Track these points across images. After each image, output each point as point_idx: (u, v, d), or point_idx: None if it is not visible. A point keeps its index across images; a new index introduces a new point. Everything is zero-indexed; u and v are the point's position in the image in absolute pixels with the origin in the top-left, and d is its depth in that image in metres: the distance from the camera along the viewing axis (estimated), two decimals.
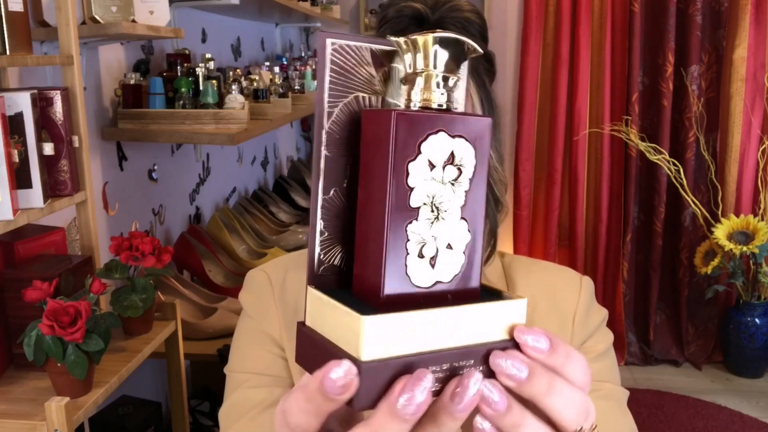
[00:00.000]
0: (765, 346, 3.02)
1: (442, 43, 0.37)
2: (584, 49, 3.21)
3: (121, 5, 1.48)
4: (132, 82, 1.72)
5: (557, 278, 0.80)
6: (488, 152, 0.38)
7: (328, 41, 0.38)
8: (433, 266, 0.37)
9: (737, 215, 3.07)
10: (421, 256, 0.36)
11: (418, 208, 0.36)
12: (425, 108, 0.37)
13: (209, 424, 1.93)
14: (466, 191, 0.37)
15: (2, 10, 1.14)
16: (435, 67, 0.37)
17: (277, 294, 0.79)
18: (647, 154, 3.12)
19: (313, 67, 2.75)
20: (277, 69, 2.35)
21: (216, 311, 1.87)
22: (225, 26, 2.50)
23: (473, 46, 0.38)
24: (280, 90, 2.21)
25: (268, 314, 0.78)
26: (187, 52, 2.02)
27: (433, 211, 0.36)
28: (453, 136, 0.36)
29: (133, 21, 1.50)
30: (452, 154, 0.36)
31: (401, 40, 0.38)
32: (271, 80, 2.21)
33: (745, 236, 2.97)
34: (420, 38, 0.37)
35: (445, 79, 0.37)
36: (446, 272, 0.37)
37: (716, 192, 3.19)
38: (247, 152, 2.75)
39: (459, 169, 0.36)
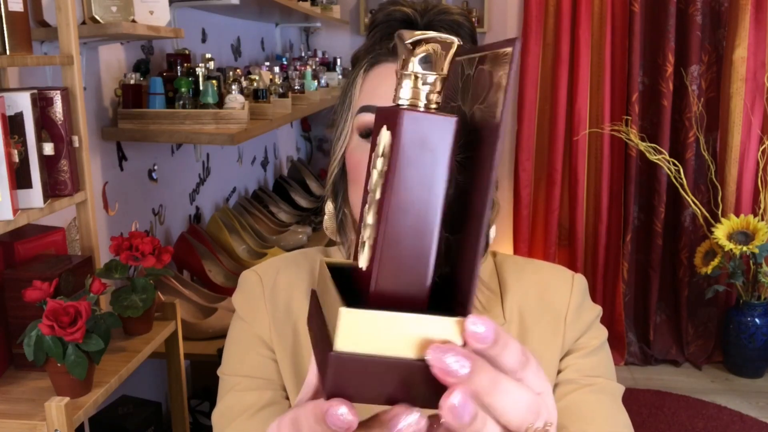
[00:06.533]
0: (765, 346, 3.02)
1: (402, 41, 0.38)
2: (584, 49, 3.21)
3: (121, 5, 1.48)
4: (132, 82, 1.72)
5: (549, 277, 0.80)
6: (399, 146, 0.35)
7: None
8: (363, 251, 0.39)
9: (737, 215, 3.07)
10: (364, 238, 0.39)
11: (368, 194, 0.39)
12: (397, 106, 0.39)
13: (209, 424, 1.93)
14: (382, 184, 0.37)
15: (2, 10, 1.14)
16: (402, 66, 0.38)
17: (268, 295, 0.79)
18: (647, 154, 3.12)
19: (314, 67, 2.75)
20: (277, 69, 2.35)
21: (216, 311, 1.87)
22: (225, 26, 2.50)
23: (405, 39, 0.37)
24: (280, 90, 2.21)
25: (259, 315, 0.79)
26: (187, 52, 2.02)
27: (370, 198, 0.39)
28: (387, 130, 0.37)
29: (133, 21, 1.50)
30: (384, 146, 0.37)
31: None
32: (271, 80, 2.21)
33: (745, 236, 2.97)
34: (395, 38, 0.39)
35: (408, 77, 0.38)
36: (365, 262, 0.38)
37: (716, 192, 3.19)
38: (247, 152, 2.75)
39: (383, 162, 0.37)
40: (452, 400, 0.33)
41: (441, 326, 0.35)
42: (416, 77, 0.38)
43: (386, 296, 0.36)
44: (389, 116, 0.37)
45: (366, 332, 0.34)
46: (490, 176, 0.36)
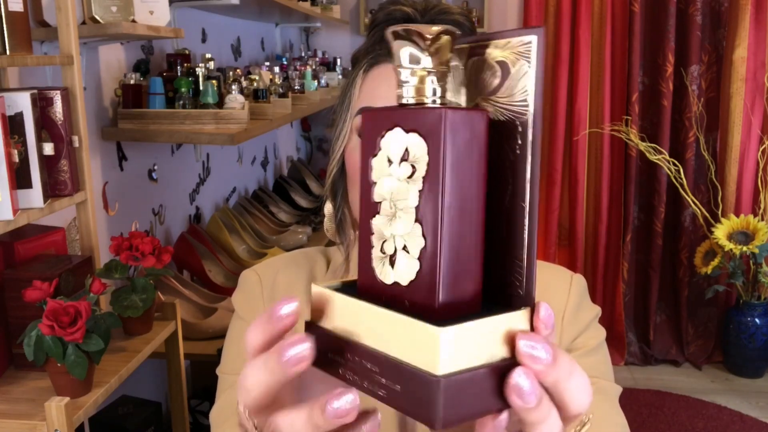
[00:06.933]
0: (765, 346, 3.02)
1: (400, 36, 0.36)
2: (584, 49, 3.21)
3: (121, 5, 1.48)
4: (132, 82, 1.72)
5: (548, 277, 0.80)
6: (446, 147, 0.33)
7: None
8: (392, 265, 0.36)
9: (737, 215, 3.07)
10: (383, 251, 0.36)
11: (379, 203, 0.36)
12: (400, 105, 0.37)
13: (209, 424, 1.93)
14: (420, 191, 0.34)
15: (2, 10, 1.14)
16: (401, 63, 0.36)
17: (267, 294, 0.80)
18: (647, 154, 3.12)
19: (314, 67, 2.75)
20: (277, 69, 2.35)
21: (216, 311, 1.87)
22: (225, 26, 2.50)
23: (428, 32, 0.35)
24: (280, 90, 2.21)
25: (257, 315, 0.79)
26: (187, 52, 2.02)
27: (391, 208, 0.36)
28: (407, 131, 0.35)
29: (133, 21, 1.50)
30: (407, 150, 0.35)
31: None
32: (271, 80, 2.21)
33: (745, 236, 2.96)
34: (386, 33, 0.37)
35: (407, 72, 0.36)
36: (403, 275, 0.35)
37: (716, 192, 3.19)
38: (247, 152, 2.75)
39: (413, 166, 0.35)
40: (517, 380, 0.33)
41: (523, 319, 0.35)
42: (428, 73, 0.36)
43: (451, 305, 0.34)
44: (412, 117, 0.35)
45: (463, 347, 0.33)
46: (535, 169, 0.35)
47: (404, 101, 0.36)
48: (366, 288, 0.38)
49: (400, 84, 0.37)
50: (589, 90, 3.27)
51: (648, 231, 3.33)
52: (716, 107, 3.22)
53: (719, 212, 3.15)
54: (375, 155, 0.37)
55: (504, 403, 0.34)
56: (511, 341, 0.34)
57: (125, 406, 1.69)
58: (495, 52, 0.37)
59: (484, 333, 0.33)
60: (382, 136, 0.36)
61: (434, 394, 0.31)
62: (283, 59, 2.87)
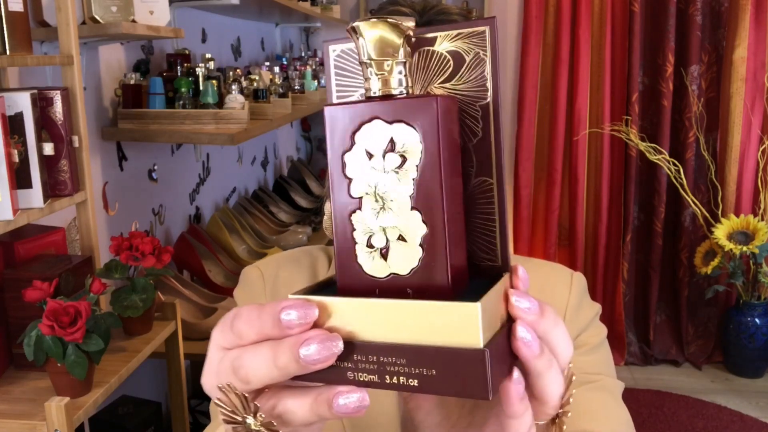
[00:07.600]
0: (765, 346, 3.02)
1: (368, 29, 0.36)
2: (584, 49, 3.21)
3: (121, 5, 1.48)
4: (132, 82, 1.72)
5: (549, 275, 0.80)
6: (439, 135, 0.34)
7: (330, 47, 0.41)
8: (385, 257, 0.36)
9: (737, 215, 3.07)
10: (370, 246, 0.36)
11: (360, 198, 0.36)
12: (369, 98, 0.37)
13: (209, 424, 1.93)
14: (414, 179, 0.35)
15: (2, 10, 1.14)
16: (367, 56, 0.36)
17: (269, 290, 0.80)
18: (647, 154, 3.12)
19: (314, 67, 2.75)
20: (277, 69, 2.36)
21: (216, 311, 1.87)
22: (225, 26, 2.50)
23: (403, 24, 0.36)
24: (280, 90, 2.21)
25: None
26: (187, 52, 2.02)
27: (377, 201, 0.36)
28: (390, 123, 0.35)
29: (133, 21, 1.50)
30: (392, 141, 0.35)
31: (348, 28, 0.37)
32: (271, 80, 2.21)
33: (745, 236, 2.96)
34: (351, 27, 0.37)
35: (380, 65, 0.36)
36: (402, 265, 0.35)
37: (716, 192, 3.19)
38: (247, 152, 2.75)
39: (402, 156, 0.35)
40: (521, 333, 0.36)
41: (506, 281, 0.37)
42: (397, 64, 0.36)
43: (457, 283, 0.35)
44: (396, 108, 0.35)
45: (488, 316, 0.34)
46: (500, 147, 0.37)
47: (373, 93, 0.36)
48: (352, 287, 0.37)
49: (368, 77, 0.36)
50: (589, 90, 3.27)
51: (648, 231, 3.33)
52: (716, 107, 3.22)
53: (719, 212, 3.15)
54: (349, 150, 0.36)
55: (514, 359, 0.36)
56: (506, 303, 0.37)
57: (125, 406, 1.69)
58: (446, 43, 0.38)
59: (495, 300, 0.35)
60: (357, 130, 0.36)
61: (481, 366, 0.32)
62: (283, 59, 2.87)
